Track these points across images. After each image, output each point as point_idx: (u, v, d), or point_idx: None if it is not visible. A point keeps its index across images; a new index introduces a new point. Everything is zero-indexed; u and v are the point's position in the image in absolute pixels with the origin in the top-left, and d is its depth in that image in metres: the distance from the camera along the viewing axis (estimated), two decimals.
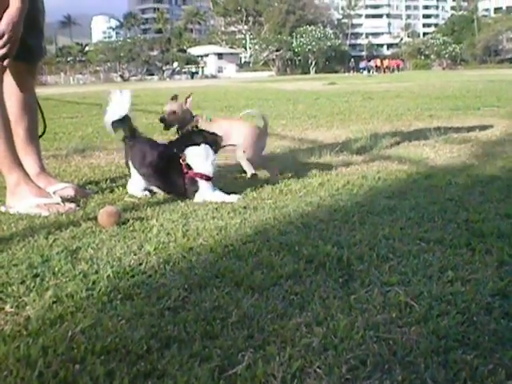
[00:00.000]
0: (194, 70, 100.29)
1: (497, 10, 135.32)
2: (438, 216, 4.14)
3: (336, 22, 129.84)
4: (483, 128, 9.42)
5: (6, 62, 4.37)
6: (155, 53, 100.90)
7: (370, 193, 4.94)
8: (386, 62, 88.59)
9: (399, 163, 6.34)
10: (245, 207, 4.56)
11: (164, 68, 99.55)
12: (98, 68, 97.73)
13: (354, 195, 4.86)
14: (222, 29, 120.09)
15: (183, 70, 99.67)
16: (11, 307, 2.77)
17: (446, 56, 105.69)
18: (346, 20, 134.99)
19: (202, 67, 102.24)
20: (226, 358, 2.26)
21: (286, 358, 2.24)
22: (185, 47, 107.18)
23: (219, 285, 2.97)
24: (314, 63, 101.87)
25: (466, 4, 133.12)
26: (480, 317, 2.57)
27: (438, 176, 5.56)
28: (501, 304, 2.69)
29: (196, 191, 4.86)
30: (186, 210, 4.52)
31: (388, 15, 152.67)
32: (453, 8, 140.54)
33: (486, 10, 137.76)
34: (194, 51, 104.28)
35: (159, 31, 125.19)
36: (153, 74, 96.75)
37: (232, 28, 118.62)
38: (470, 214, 4.16)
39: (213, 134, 5.05)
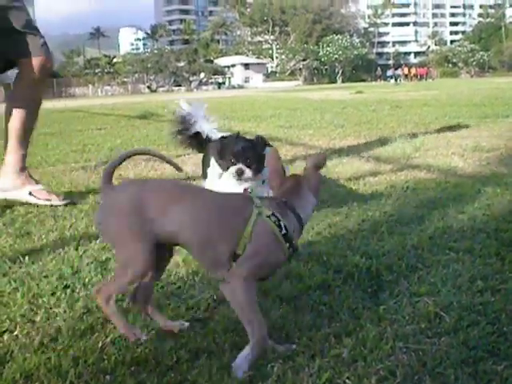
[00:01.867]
0: (220, 80, 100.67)
1: None
2: (467, 225, 4.12)
3: (362, 31, 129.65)
4: None
5: None
6: (182, 64, 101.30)
7: (398, 202, 4.92)
8: (413, 70, 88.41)
9: (427, 172, 6.31)
10: None
11: (191, 79, 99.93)
12: (125, 79, 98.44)
13: (382, 205, 4.85)
14: (249, 39, 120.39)
15: (210, 81, 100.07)
16: (42, 318, 2.80)
17: (474, 63, 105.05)
18: (372, 29, 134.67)
19: (229, 77, 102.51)
20: (256, 369, 2.27)
21: (315, 370, 2.25)
22: (211, 58, 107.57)
23: None
24: (340, 72, 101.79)
25: (493, 11, 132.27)
26: (510, 327, 2.56)
27: (467, 185, 5.53)
28: None
29: None
30: None
31: (415, 23, 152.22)
32: (480, 15, 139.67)
33: None
34: (221, 62, 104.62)
35: (186, 42, 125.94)
36: (180, 85, 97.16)
37: (258, 38, 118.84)
38: (500, 223, 4.13)
39: None
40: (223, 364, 2.30)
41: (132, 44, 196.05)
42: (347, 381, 2.18)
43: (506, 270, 3.24)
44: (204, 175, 4.90)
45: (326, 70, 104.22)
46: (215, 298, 2.96)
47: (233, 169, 4.25)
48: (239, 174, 4.23)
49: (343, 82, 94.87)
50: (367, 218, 4.40)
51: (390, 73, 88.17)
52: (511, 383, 2.14)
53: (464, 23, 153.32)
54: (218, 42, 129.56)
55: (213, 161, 4.67)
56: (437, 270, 3.27)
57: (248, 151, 4.29)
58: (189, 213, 2.39)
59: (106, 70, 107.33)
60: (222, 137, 4.63)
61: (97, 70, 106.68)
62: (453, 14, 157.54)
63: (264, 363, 2.30)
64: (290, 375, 2.21)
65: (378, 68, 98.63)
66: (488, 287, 2.99)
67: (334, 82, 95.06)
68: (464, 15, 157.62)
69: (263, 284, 3.08)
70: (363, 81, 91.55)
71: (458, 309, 2.73)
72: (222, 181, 4.47)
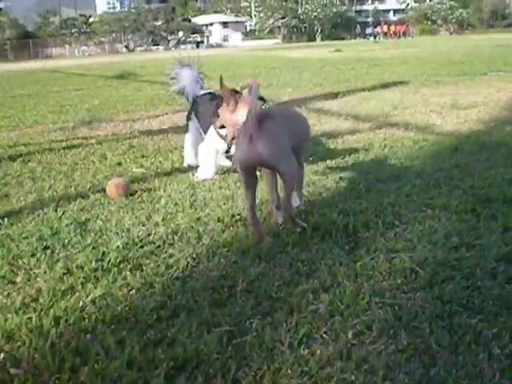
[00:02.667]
0: (199, 39, 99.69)
1: None
2: (444, 183, 4.16)
3: None
4: (490, 93, 9.38)
5: None
6: (160, 22, 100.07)
7: (376, 160, 4.95)
8: (392, 28, 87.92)
9: (405, 130, 6.34)
10: None
11: (169, 38, 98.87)
12: (102, 39, 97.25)
13: (360, 163, 4.88)
14: None
15: (188, 40, 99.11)
16: (22, 279, 2.82)
17: (453, 21, 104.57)
18: None
19: (207, 36, 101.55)
20: (235, 325, 2.31)
21: (293, 325, 2.29)
22: (189, 16, 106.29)
23: (226, 254, 3.02)
24: (319, 30, 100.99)
25: None
26: (484, 282, 2.61)
27: (445, 142, 5.57)
28: (505, 269, 2.73)
29: None
30: (194, 181, 4.55)
31: None
32: None
33: None
34: (199, 20, 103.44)
35: (163, 1, 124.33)
36: (158, 45, 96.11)
37: None
38: (476, 180, 4.18)
39: None
40: (202, 320, 2.34)
41: (108, 3, 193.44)
42: (324, 335, 2.22)
43: (481, 226, 3.28)
44: (186, 129, 5.20)
45: (305, 28, 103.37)
46: (194, 256, 2.99)
47: None
48: None
49: (322, 40, 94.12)
50: (345, 176, 4.43)
51: (369, 31, 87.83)
52: (485, 336, 2.19)
53: None
54: (196, 0, 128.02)
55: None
56: (413, 226, 3.31)
57: None
58: None
59: (82, 30, 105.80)
60: (203, 94, 5.11)
61: (73, 30, 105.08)
62: None
63: (243, 319, 2.34)
64: (268, 330, 2.24)
65: (358, 26, 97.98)
66: (463, 243, 3.04)
67: (313, 40, 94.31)
68: None
69: (242, 243, 3.12)
70: (342, 39, 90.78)
71: (433, 264, 2.78)
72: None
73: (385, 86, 11.30)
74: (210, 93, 5.13)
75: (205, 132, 4.77)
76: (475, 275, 2.66)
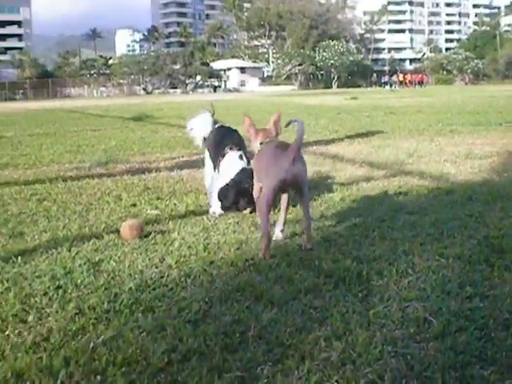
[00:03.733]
0: (216, 83, 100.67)
1: None
2: (458, 232, 4.15)
3: (358, 37, 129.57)
4: (505, 144, 9.39)
5: None
6: (178, 66, 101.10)
7: (390, 208, 4.95)
8: (408, 77, 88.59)
9: (420, 178, 6.34)
10: None
11: (187, 81, 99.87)
12: (121, 81, 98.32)
13: (375, 210, 4.88)
14: (245, 43, 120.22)
15: (206, 84, 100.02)
16: (34, 318, 2.82)
17: (469, 71, 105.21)
18: (368, 35, 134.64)
19: (225, 81, 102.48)
20: (246, 371, 2.29)
21: (304, 372, 2.27)
22: (208, 61, 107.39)
23: (239, 298, 3.01)
24: (336, 78, 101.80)
25: (488, 20, 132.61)
26: (498, 333, 2.58)
27: (459, 192, 5.56)
28: None
29: None
30: (208, 224, 4.56)
31: (410, 30, 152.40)
32: (475, 23, 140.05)
33: (509, 25, 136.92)
34: (217, 65, 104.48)
35: (182, 45, 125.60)
36: (176, 88, 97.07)
37: (255, 42, 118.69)
38: (490, 230, 4.17)
39: None
40: (214, 366, 2.32)
41: (128, 46, 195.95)
42: (335, 383, 2.20)
43: (495, 277, 3.26)
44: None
45: (322, 75, 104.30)
46: (207, 300, 2.98)
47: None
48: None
49: (338, 87, 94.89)
50: (359, 223, 4.43)
51: (385, 79, 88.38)
52: None
53: (459, 31, 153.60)
54: (215, 45, 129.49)
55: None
56: (427, 275, 3.30)
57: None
58: None
59: (101, 71, 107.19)
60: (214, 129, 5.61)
61: (92, 71, 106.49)
62: (448, 22, 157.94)
63: (254, 365, 2.33)
64: (279, 377, 2.23)
65: (374, 74, 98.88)
66: (477, 293, 3.02)
67: (330, 87, 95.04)
68: (459, 23, 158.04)
69: (255, 288, 3.11)
70: (358, 86, 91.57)
71: (446, 314, 2.76)
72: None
73: (400, 133, 11.34)
74: (220, 126, 5.58)
75: (213, 162, 4.96)
76: (489, 326, 2.64)
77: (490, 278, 3.25)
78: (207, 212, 4.95)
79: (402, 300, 2.95)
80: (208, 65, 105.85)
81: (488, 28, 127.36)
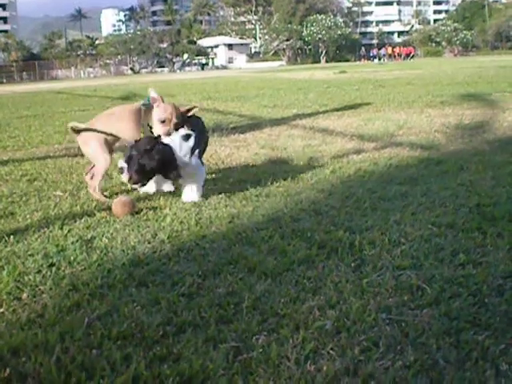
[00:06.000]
0: (204, 61, 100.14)
1: None
2: (450, 201, 4.16)
3: (346, 11, 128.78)
4: (495, 114, 9.40)
5: None
6: (165, 45, 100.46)
7: (381, 179, 4.95)
8: (396, 50, 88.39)
9: (410, 150, 6.35)
10: (257, 195, 4.59)
11: (174, 60, 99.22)
12: (108, 61, 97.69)
13: (366, 182, 4.88)
14: (232, 19, 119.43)
15: (193, 62, 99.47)
16: (28, 296, 2.82)
17: (457, 43, 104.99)
18: (356, 8, 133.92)
19: (213, 58, 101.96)
20: (241, 342, 2.30)
21: (299, 341, 2.28)
22: (195, 39, 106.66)
23: (233, 271, 3.01)
24: (324, 52, 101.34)
25: None
26: (491, 298, 2.60)
27: (450, 162, 5.56)
28: None
29: None
30: (199, 199, 4.55)
31: (398, 2, 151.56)
32: None
33: None
34: (204, 42, 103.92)
35: (169, 23, 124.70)
36: (163, 66, 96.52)
37: (242, 18, 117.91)
38: (482, 199, 4.18)
39: None
40: (209, 337, 2.33)
41: (114, 25, 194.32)
42: (331, 351, 2.21)
43: (488, 244, 3.28)
44: None
45: (310, 49, 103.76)
46: (200, 273, 2.99)
47: None
48: None
49: (327, 61, 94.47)
50: (350, 195, 4.43)
51: (373, 52, 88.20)
52: (492, 352, 2.18)
53: (447, 2, 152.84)
54: (201, 22, 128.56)
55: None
56: (419, 244, 3.31)
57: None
58: None
59: (88, 52, 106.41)
60: None
61: (79, 52, 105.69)
62: None
63: (249, 336, 2.33)
64: (274, 346, 2.24)
65: (362, 48, 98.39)
66: (470, 260, 3.04)
67: (318, 61, 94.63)
68: None
69: (248, 260, 3.12)
70: (347, 60, 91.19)
71: (440, 281, 2.78)
72: None
73: (389, 106, 11.33)
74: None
75: None
76: (482, 292, 2.66)
77: (483, 245, 3.27)
78: None
79: (395, 268, 2.97)
80: (195, 42, 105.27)
81: None
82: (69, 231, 3.84)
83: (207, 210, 4.23)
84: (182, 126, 4.55)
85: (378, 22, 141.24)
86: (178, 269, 3.08)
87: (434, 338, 2.28)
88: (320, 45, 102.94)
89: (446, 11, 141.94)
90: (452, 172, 5.13)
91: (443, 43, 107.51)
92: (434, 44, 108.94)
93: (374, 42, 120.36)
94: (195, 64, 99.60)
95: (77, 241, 3.61)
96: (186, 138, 4.42)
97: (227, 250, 3.32)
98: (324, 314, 2.49)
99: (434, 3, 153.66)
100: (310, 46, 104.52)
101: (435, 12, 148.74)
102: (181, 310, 2.56)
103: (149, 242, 3.55)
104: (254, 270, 3.01)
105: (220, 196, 4.59)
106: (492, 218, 3.74)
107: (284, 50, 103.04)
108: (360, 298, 2.63)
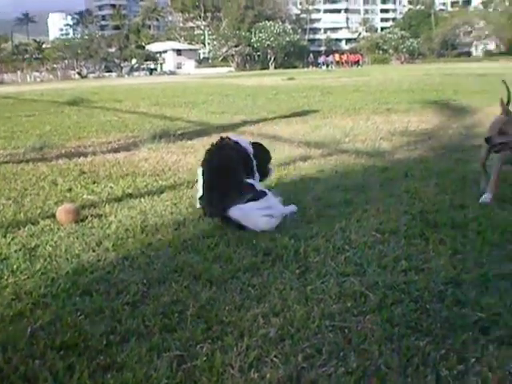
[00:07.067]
0: (152, 66, 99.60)
1: (454, 3, 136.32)
2: (394, 208, 4.22)
3: (294, 17, 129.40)
4: (441, 122, 9.56)
5: None
6: (113, 49, 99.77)
7: (327, 186, 5.00)
8: (344, 57, 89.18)
9: (356, 157, 6.41)
10: None
11: (122, 65, 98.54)
12: (55, 65, 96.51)
13: (312, 189, 4.92)
14: (181, 25, 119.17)
15: (142, 67, 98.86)
16: None
17: (404, 50, 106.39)
18: (304, 15, 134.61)
19: (161, 63, 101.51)
20: (185, 350, 2.30)
21: (243, 348, 2.29)
22: (143, 44, 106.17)
23: (178, 279, 3.01)
24: (273, 58, 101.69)
25: None
26: (433, 304, 2.65)
27: (395, 169, 5.65)
28: (453, 292, 2.78)
29: None
30: (145, 207, 4.53)
31: (346, 10, 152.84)
32: (410, 2, 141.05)
33: (443, 4, 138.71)
34: (153, 48, 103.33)
35: (117, 28, 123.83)
36: (111, 71, 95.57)
37: (190, 24, 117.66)
38: (425, 206, 4.26)
39: None
40: (153, 346, 2.33)
41: (61, 29, 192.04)
42: (274, 359, 2.22)
43: (430, 250, 3.34)
44: None
45: (259, 56, 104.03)
46: (145, 281, 2.98)
47: None
48: None
49: (276, 68, 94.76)
50: (297, 202, 4.45)
51: (321, 59, 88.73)
52: (433, 358, 2.22)
53: (394, 10, 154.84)
54: (150, 27, 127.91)
55: None
56: (363, 251, 3.36)
57: None
58: None
59: (34, 56, 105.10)
60: None
61: (25, 56, 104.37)
62: (383, 1, 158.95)
63: (193, 344, 2.34)
64: (218, 354, 2.24)
65: (310, 54, 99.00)
66: (412, 267, 3.09)
67: (267, 68, 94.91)
68: (394, 2, 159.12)
69: (193, 268, 3.12)
70: (295, 67, 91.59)
71: (382, 288, 2.82)
72: None
73: (336, 113, 11.44)
74: None
75: None
76: (423, 298, 2.70)
77: (425, 252, 3.33)
78: (145, 195, 4.92)
79: (339, 275, 3.00)
80: (143, 47, 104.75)
81: (423, 7, 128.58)
82: (12, 239, 3.79)
83: (153, 217, 4.21)
84: None
85: (326, 29, 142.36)
86: (123, 277, 3.06)
87: (377, 344, 2.31)
88: (269, 51, 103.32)
89: (393, 19, 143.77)
90: (397, 179, 5.20)
91: (390, 51, 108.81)
92: (381, 51, 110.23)
93: (322, 48, 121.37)
94: (143, 69, 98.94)
95: (20, 249, 3.57)
96: None
97: (172, 258, 3.31)
98: (268, 322, 2.51)
99: (381, 11, 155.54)
100: (258, 53, 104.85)
101: (382, 20, 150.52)
102: (125, 319, 2.55)
103: (93, 250, 3.52)
104: (200, 277, 3.01)
105: (166, 203, 4.58)
106: (434, 224, 3.81)
107: (233, 56, 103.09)
108: (304, 305, 2.65)
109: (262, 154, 4.52)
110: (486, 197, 4.36)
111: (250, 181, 4.08)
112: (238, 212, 3.72)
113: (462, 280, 2.91)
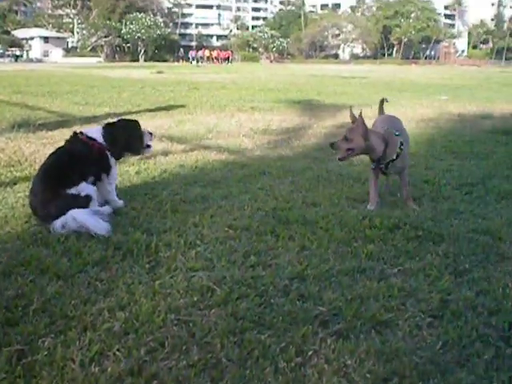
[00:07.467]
0: (18, 53, 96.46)
1: (323, 6, 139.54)
2: (248, 204, 4.30)
3: (166, 11, 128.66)
4: (302, 121, 9.79)
5: None
6: None
7: (185, 181, 5.03)
8: (214, 53, 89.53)
9: (218, 153, 6.48)
10: None
11: None
12: None
13: (170, 184, 4.94)
14: (49, 12, 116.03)
15: (7, 53, 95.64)
16: None
17: (274, 49, 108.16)
18: (176, 9, 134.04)
19: (27, 50, 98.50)
20: (26, 344, 2.27)
21: (86, 343, 2.29)
22: (9, 29, 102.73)
23: (24, 272, 2.96)
24: (143, 51, 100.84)
25: None
26: (277, 299, 2.74)
27: (253, 166, 5.74)
28: (297, 287, 2.88)
29: None
30: None
31: (218, 6, 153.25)
32: (281, 3, 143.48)
33: (313, 6, 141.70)
34: (19, 34, 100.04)
35: None
36: None
37: (59, 11, 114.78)
38: (279, 203, 4.36)
39: None
40: None
41: None
42: (117, 352, 2.24)
43: (279, 246, 3.44)
44: None
45: (129, 47, 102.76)
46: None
47: None
48: None
49: (146, 60, 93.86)
50: (153, 197, 4.46)
51: (192, 54, 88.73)
52: (273, 350, 2.29)
53: (266, 9, 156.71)
54: (17, 12, 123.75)
55: None
56: (214, 246, 3.41)
57: None
58: None
59: None
60: None
61: None
62: (255, 0, 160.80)
63: (35, 338, 2.31)
64: (60, 349, 2.23)
65: (181, 49, 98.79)
66: (260, 262, 3.17)
67: (137, 60, 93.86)
68: (266, 1, 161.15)
69: (41, 261, 3.07)
70: (165, 61, 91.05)
71: (230, 282, 2.88)
72: None
73: (202, 108, 11.48)
74: None
75: None
76: (268, 293, 2.79)
77: (275, 248, 3.42)
78: None
79: (188, 270, 3.04)
80: (9, 33, 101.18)
81: (293, 8, 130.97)
82: None
83: (4, 209, 4.10)
84: None
85: (197, 25, 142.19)
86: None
87: (219, 337, 2.37)
88: (139, 43, 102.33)
89: (264, 18, 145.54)
90: (254, 176, 5.30)
91: (260, 49, 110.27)
92: (251, 49, 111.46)
93: (193, 43, 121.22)
94: (9, 55, 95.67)
95: None
96: None
97: (20, 251, 3.25)
98: (114, 316, 2.51)
99: (253, 10, 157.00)
100: (128, 44, 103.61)
101: (253, 18, 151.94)
102: None
103: None
104: (47, 271, 2.97)
105: (18, 195, 4.46)
106: (286, 221, 3.91)
107: (102, 46, 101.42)
108: (151, 300, 2.68)
109: (122, 133, 4.19)
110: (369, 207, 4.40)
111: (76, 189, 3.77)
112: (58, 225, 3.61)
113: (306, 275, 3.02)
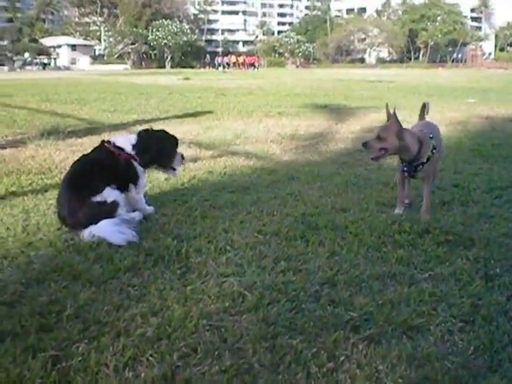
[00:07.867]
0: (46, 61, 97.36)
1: (349, 11, 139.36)
2: (277, 210, 4.31)
3: (192, 17, 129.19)
4: (329, 125, 9.78)
5: None
6: (5, 42, 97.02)
7: (214, 188, 5.05)
8: (241, 59, 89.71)
9: (246, 159, 6.50)
10: None
11: (15, 58, 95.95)
12: None
13: (199, 190, 4.96)
14: (76, 20, 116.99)
15: (35, 61, 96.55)
16: None
17: (300, 54, 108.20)
18: (202, 15, 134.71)
19: (55, 58, 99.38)
20: (60, 350, 2.30)
21: (119, 348, 2.31)
22: (37, 37, 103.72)
23: (57, 279, 2.99)
24: (169, 58, 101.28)
25: (319, 4, 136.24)
26: (308, 304, 2.74)
27: (282, 171, 5.76)
28: (328, 292, 2.88)
29: None
30: (28, 205, 4.44)
31: (244, 12, 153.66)
32: (307, 8, 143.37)
33: (339, 10, 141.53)
34: (47, 42, 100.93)
35: (10, 20, 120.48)
36: (3, 65, 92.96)
37: (86, 19, 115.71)
38: (308, 208, 4.37)
39: None
40: (28, 346, 2.32)
41: None
42: (150, 358, 2.26)
43: (309, 252, 3.44)
44: None
45: (156, 54, 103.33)
46: (23, 281, 2.94)
47: None
48: None
49: (172, 67, 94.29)
50: (183, 203, 4.49)
51: (218, 60, 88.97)
52: (305, 356, 2.30)
53: (291, 14, 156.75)
54: (44, 21, 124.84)
55: None
56: (244, 252, 3.42)
57: None
58: None
59: None
60: None
61: None
62: (281, 5, 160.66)
63: (69, 344, 2.34)
64: (94, 354, 2.25)
65: (207, 55, 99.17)
66: (291, 267, 3.18)
67: (163, 67, 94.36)
68: (292, 7, 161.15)
69: (73, 268, 3.10)
70: (192, 67, 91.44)
71: (260, 288, 2.89)
72: None
73: (229, 115, 11.51)
74: None
75: None
76: (299, 298, 2.79)
77: (305, 253, 3.43)
78: (29, 193, 4.82)
79: (219, 276, 3.06)
80: (37, 41, 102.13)
81: (319, 12, 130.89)
82: None
83: (36, 216, 4.14)
84: None
85: (223, 31, 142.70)
86: (1, 277, 3.02)
87: (251, 343, 2.38)
88: (166, 50, 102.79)
89: (290, 23, 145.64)
90: (283, 182, 5.31)
91: (286, 54, 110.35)
92: (277, 55, 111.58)
93: (220, 49, 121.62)
94: (37, 63, 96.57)
95: None
96: None
97: (53, 258, 3.29)
98: (146, 322, 2.53)
99: (279, 15, 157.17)
100: (155, 51, 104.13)
101: (279, 24, 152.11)
102: (1, 320, 2.52)
103: None
104: (79, 277, 3.00)
105: (50, 202, 4.50)
106: (315, 226, 3.92)
107: (129, 53, 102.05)
108: (183, 305, 2.69)
109: (155, 143, 4.15)
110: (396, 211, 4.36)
111: (100, 196, 3.76)
112: (87, 235, 3.63)
113: (337, 280, 3.03)
